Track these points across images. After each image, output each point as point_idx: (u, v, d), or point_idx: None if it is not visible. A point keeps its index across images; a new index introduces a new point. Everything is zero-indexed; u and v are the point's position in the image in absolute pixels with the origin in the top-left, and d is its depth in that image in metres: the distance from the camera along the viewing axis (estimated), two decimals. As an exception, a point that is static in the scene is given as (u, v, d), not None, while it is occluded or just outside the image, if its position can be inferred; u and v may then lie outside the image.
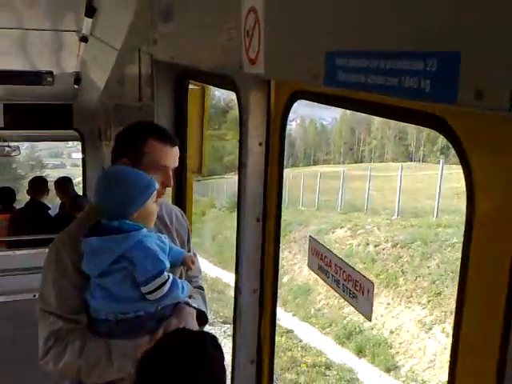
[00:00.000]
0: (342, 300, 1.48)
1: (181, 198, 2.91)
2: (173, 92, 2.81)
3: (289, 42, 1.31)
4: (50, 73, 4.83)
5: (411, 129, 44.96)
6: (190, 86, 2.87)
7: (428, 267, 11.01)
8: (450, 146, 0.97)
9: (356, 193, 19.12)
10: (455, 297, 0.99)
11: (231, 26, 1.61)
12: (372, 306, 1.35)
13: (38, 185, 5.21)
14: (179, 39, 2.40)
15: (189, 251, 2.08)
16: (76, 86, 5.23)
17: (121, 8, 3.37)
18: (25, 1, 3.43)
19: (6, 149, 6.61)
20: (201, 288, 2.17)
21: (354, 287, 1.39)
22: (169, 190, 2.73)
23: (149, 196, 1.74)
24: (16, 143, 6.69)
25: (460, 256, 0.97)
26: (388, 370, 9.68)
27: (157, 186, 1.80)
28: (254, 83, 1.83)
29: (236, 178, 2.06)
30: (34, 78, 4.90)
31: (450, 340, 1.00)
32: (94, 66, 4.68)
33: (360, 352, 10.31)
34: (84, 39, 3.75)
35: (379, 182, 20.92)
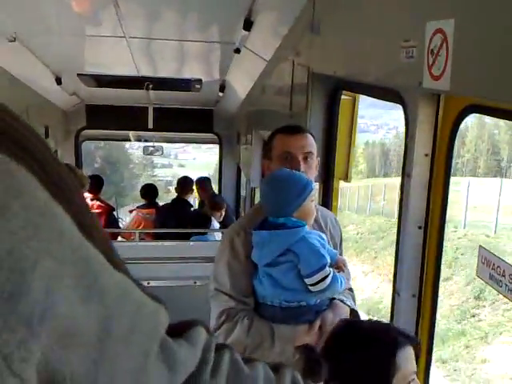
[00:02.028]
0: None
1: (327, 203, 3.06)
2: (326, 102, 2.97)
3: (479, 62, 1.39)
4: (199, 80, 5.22)
5: (503, 144, 42.11)
6: (343, 96, 3.01)
7: None
8: None
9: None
10: None
11: (412, 44, 1.71)
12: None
13: (185, 183, 5.68)
14: (341, 53, 2.55)
15: (340, 254, 2.23)
16: (221, 94, 5.59)
17: (277, 21, 3.61)
18: (184, 15, 3.79)
19: (150, 149, 7.21)
20: (351, 290, 2.30)
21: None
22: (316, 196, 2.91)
23: (306, 196, 1.91)
24: (159, 144, 7.27)
25: None
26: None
27: (314, 186, 1.97)
28: (424, 97, 1.93)
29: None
30: (185, 84, 5.34)
31: None
32: (240, 74, 4.99)
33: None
34: (237, 50, 4.03)
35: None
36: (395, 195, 21.97)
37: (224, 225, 5.21)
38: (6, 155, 0.33)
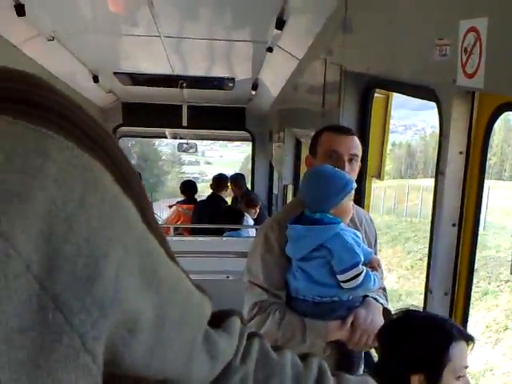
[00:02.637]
0: None
1: (360, 202, 3.06)
2: (359, 100, 2.97)
3: (514, 60, 1.39)
4: (232, 79, 5.28)
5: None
6: (375, 94, 3.01)
7: None
8: None
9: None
10: None
11: (445, 42, 1.71)
12: None
13: (219, 181, 5.78)
14: (374, 51, 2.55)
15: (375, 254, 2.23)
16: (253, 92, 5.64)
17: (309, 20, 3.62)
18: (218, 14, 3.84)
19: (185, 146, 7.32)
20: (384, 289, 2.29)
21: None
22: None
23: (345, 195, 1.92)
24: (193, 141, 7.37)
25: None
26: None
27: (354, 185, 1.98)
28: (458, 94, 1.92)
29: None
30: (217, 83, 5.41)
31: None
32: (272, 73, 5.02)
33: None
34: (270, 49, 4.06)
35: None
36: (415, 196, 22.68)
37: (257, 222, 5.26)
38: (82, 149, 0.36)
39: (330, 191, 1.90)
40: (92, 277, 0.34)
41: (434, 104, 2.05)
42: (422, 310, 1.62)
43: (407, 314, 1.61)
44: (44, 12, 3.32)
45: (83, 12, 3.65)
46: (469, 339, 1.49)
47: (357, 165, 2.10)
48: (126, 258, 0.37)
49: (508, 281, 13.24)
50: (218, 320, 0.59)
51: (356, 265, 1.86)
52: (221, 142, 20.39)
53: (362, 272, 1.87)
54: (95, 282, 0.34)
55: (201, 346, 0.51)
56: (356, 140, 2.11)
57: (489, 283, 13.54)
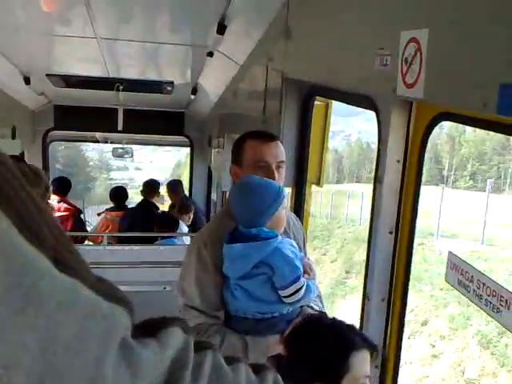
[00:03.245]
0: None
1: (299, 208, 3.08)
2: (300, 107, 2.99)
3: (453, 71, 1.43)
4: (171, 83, 5.19)
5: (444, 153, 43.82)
6: (315, 102, 3.04)
7: None
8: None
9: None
10: None
11: (386, 52, 1.75)
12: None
13: (151, 186, 5.64)
14: (316, 59, 2.57)
15: (304, 254, 2.22)
16: (193, 97, 5.57)
17: (250, 26, 3.62)
18: (157, 17, 3.76)
19: (120, 151, 7.11)
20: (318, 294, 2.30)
21: (499, 302, 1.47)
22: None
23: (279, 205, 1.87)
24: (129, 146, 7.18)
25: None
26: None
27: (285, 193, 1.96)
28: (396, 104, 1.96)
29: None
30: (156, 86, 5.29)
31: None
32: (212, 77, 4.99)
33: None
34: (210, 54, 4.02)
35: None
36: (341, 201, 24.59)
37: (193, 228, 5.18)
38: None
39: (264, 205, 1.84)
40: None
41: (361, 110, 2.08)
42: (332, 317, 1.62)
43: (314, 321, 1.61)
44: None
45: (14, 11, 3.46)
46: (372, 348, 1.49)
47: (283, 170, 2.06)
48: None
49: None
50: (154, 329, 0.52)
51: (297, 279, 1.83)
52: (151, 146, 20.12)
53: (303, 286, 1.85)
54: None
55: (115, 361, 0.44)
56: (280, 145, 2.07)
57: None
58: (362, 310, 2.13)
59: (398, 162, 1.99)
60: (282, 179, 2.04)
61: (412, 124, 1.96)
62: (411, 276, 2.01)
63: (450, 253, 1.76)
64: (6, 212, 0.35)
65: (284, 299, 1.85)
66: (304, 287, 1.85)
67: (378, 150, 2.07)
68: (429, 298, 13.27)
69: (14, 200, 0.36)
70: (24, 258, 0.36)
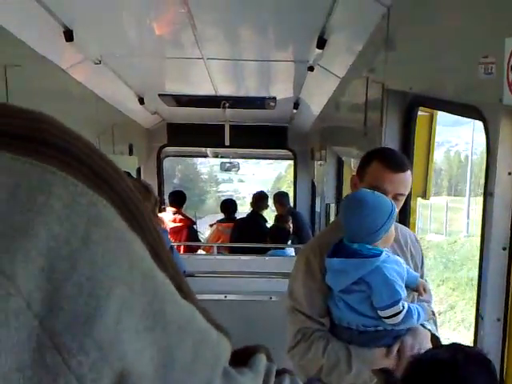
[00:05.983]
0: None
1: (404, 222, 2.98)
2: (402, 118, 2.91)
3: None
4: (274, 98, 5.30)
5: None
6: (419, 112, 2.95)
7: None
8: None
9: None
10: None
11: (491, 60, 1.66)
12: None
13: (260, 199, 5.78)
14: (417, 69, 2.50)
15: (421, 276, 2.14)
16: (295, 111, 5.64)
17: (350, 39, 3.60)
18: (259, 35, 3.87)
19: (227, 165, 7.39)
20: (432, 313, 2.20)
21: None
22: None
23: (390, 225, 1.82)
24: (235, 160, 7.44)
25: None
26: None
27: (396, 211, 1.90)
28: (504, 113, 1.85)
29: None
30: (260, 102, 5.44)
31: None
32: (313, 92, 5.02)
33: None
34: (311, 68, 4.06)
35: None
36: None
37: (299, 240, 5.22)
38: (88, 187, 0.35)
39: (376, 226, 1.77)
40: (92, 317, 0.33)
41: (467, 120, 1.96)
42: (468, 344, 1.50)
43: (429, 357, 1.42)
44: (91, 37, 3.44)
45: (129, 36, 3.76)
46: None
47: (402, 201, 1.96)
48: (129, 297, 0.36)
49: None
50: (243, 357, 0.56)
51: (396, 303, 1.77)
52: (254, 160, 20.67)
53: (402, 310, 1.78)
54: (95, 323, 0.33)
55: None
56: (406, 177, 1.94)
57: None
58: (476, 330, 2.02)
59: (510, 174, 1.87)
60: (398, 208, 1.94)
61: (523, 133, 1.84)
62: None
63: None
64: (143, 241, 0.39)
65: (383, 319, 1.81)
66: (403, 312, 1.79)
67: (487, 162, 1.95)
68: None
69: (147, 232, 0.40)
70: (156, 281, 0.40)
